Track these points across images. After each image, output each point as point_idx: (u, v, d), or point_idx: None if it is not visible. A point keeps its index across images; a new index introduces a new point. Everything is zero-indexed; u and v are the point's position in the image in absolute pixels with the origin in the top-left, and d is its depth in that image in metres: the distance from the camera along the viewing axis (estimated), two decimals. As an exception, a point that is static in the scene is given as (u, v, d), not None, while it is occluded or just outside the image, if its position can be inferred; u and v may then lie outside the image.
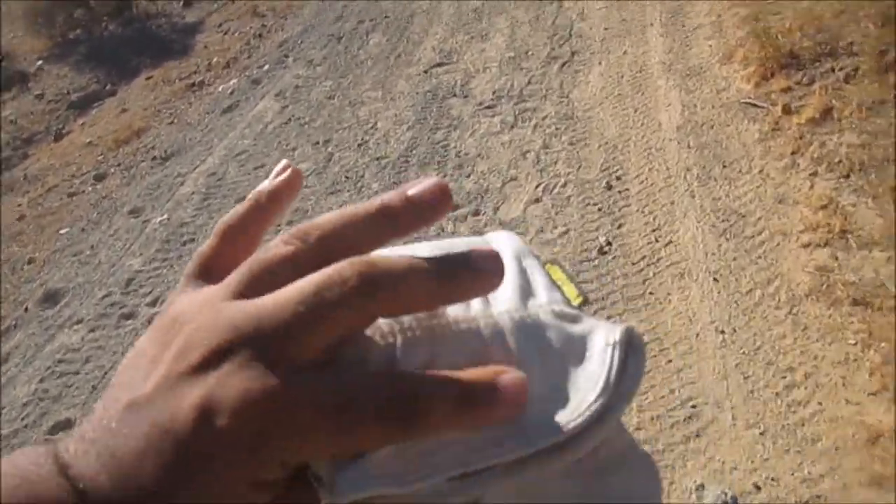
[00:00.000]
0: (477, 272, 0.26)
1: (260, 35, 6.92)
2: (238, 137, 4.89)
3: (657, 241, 3.30)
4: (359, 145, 4.55)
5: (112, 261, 3.88)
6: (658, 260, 3.20)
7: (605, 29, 5.49)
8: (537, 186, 3.83)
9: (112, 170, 5.04)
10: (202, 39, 7.34)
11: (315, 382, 0.24)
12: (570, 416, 0.25)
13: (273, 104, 5.25)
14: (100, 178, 4.95)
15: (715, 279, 3.02)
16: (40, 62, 8.24)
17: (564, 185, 3.81)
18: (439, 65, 5.44)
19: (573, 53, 5.26)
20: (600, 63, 5.06)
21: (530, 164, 4.02)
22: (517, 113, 4.57)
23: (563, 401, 0.26)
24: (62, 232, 4.43)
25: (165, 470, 0.23)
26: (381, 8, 6.68)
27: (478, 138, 4.34)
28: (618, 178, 3.79)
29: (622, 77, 4.78)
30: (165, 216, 4.16)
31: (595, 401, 0.25)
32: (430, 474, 0.24)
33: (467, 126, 4.49)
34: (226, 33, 7.31)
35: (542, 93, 4.81)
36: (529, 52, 5.39)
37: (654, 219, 3.44)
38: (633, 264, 3.21)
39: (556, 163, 4.01)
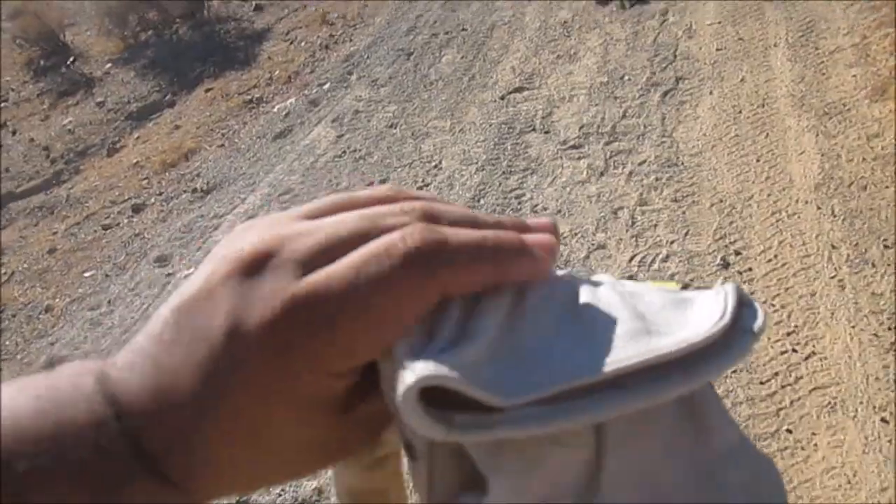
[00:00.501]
0: (534, 259, 0.26)
1: (326, 46, 6.36)
2: (286, 172, 4.31)
3: (794, 350, 2.49)
4: (419, 188, 3.87)
5: (125, 325, 3.35)
6: (796, 380, 2.39)
7: (718, 50, 4.63)
8: (631, 259, 3.06)
9: (152, 199, 4.56)
10: (268, 49, 6.85)
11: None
12: (694, 333, 0.24)
13: (328, 131, 4.65)
14: (137, 209, 4.48)
15: (884, 420, 2.19)
16: (109, 65, 7.97)
17: (666, 258, 3.03)
18: (518, 90, 4.71)
19: (678, 80, 4.42)
20: (711, 93, 4.21)
21: (623, 227, 3.25)
22: (608, 156, 3.80)
23: (683, 324, 0.25)
24: (86, 275, 3.96)
25: (201, 381, 0.22)
26: (459, 19, 5.99)
27: (559, 188, 3.60)
28: (737, 253, 2.98)
29: (740, 112, 3.93)
30: (191, 270, 3.61)
31: (717, 322, 0.24)
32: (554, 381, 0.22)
33: (547, 171, 3.76)
34: (292, 42, 6.80)
35: (639, 129, 4.01)
36: (625, 77, 4.59)
37: (788, 316, 2.63)
38: (762, 384, 2.41)
39: (655, 226, 3.23)
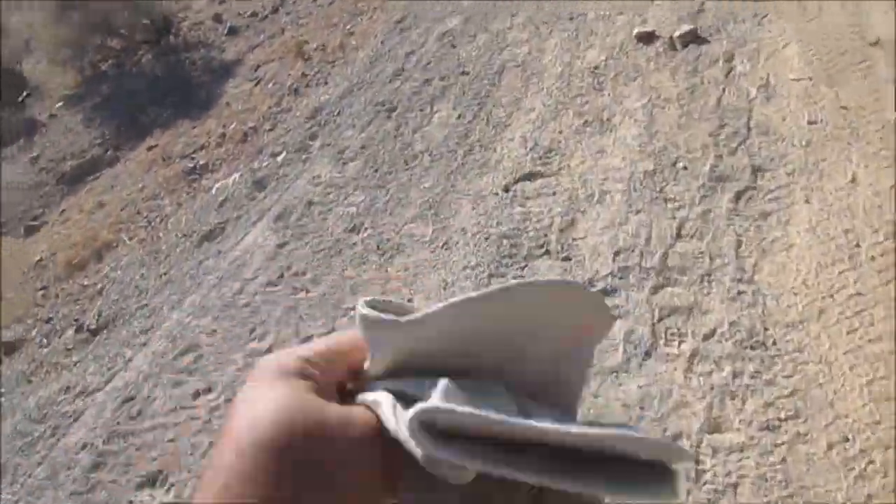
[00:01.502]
0: None
1: (296, 90, 5.09)
2: (197, 309, 3.09)
3: None
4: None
5: None
6: None
7: (811, 123, 3.26)
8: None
9: (33, 332, 3.37)
10: (231, 90, 5.62)
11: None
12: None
13: (268, 237, 3.42)
14: (11, 348, 3.29)
15: None
16: (60, 104, 6.84)
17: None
18: (530, 176, 3.41)
19: (756, 172, 3.08)
20: (808, 200, 2.87)
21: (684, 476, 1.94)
22: (656, 317, 2.49)
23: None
24: None
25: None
26: (459, 58, 4.67)
27: (580, 385, 2.27)
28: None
29: (857, 245, 2.59)
30: (41, 474, 2.42)
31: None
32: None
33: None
34: (259, 82, 5.55)
35: (703, 263, 2.70)
36: (679, 163, 3.25)
37: None
38: None
39: (735, 486, 1.93)
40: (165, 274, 3.46)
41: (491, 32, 4.92)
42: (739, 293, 2.55)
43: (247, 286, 3.17)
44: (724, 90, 3.68)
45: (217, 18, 7.47)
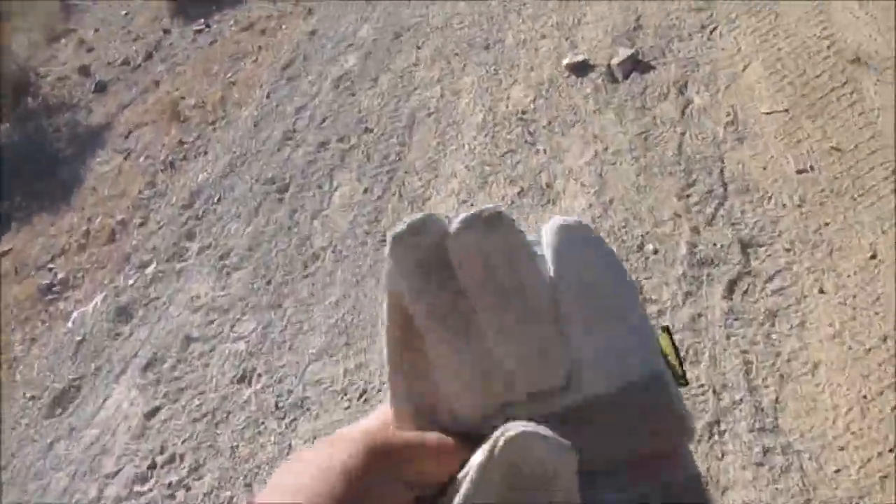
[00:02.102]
0: None
1: (171, 164, 4.23)
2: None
3: None
4: None
5: None
6: None
7: (800, 172, 2.62)
8: None
9: None
10: (97, 166, 4.70)
11: None
12: None
13: (133, 402, 2.62)
14: None
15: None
16: None
17: None
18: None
19: (745, 249, 2.42)
20: (822, 289, 2.21)
21: None
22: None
23: None
24: None
25: None
26: (360, 109, 3.89)
27: None
28: None
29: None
30: None
31: None
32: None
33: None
34: (129, 156, 4.64)
35: (705, 406, 2.02)
36: (646, 245, 2.56)
37: None
38: None
39: None
40: (6, 467, 2.59)
41: (394, 72, 4.14)
42: (765, 452, 1.86)
43: (106, 488, 2.34)
44: (683, 133, 3.00)
45: (84, 71, 6.46)
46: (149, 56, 5.97)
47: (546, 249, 0.32)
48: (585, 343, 0.31)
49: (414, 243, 0.29)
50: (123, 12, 7.04)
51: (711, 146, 2.89)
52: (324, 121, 3.92)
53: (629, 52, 3.49)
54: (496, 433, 0.27)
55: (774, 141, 2.80)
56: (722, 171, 2.77)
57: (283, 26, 5.26)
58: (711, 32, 3.52)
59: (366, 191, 3.34)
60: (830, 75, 2.95)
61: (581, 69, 3.55)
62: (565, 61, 3.60)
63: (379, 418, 0.33)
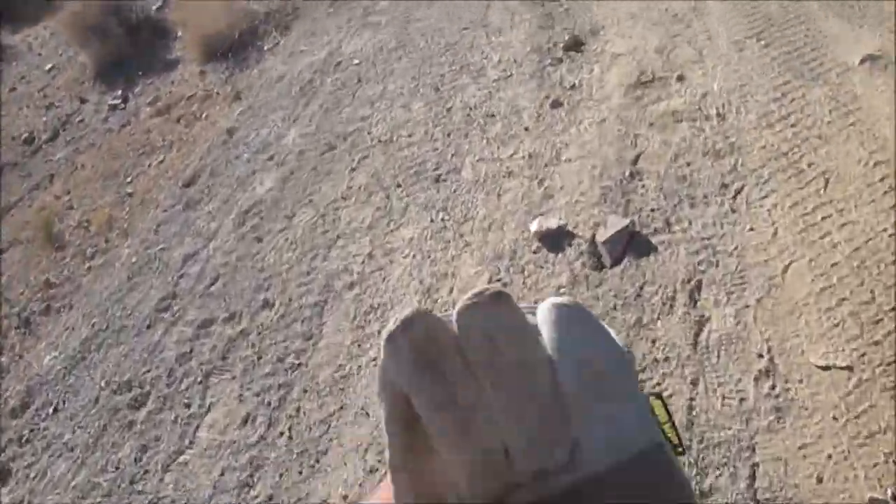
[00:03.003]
0: None
1: (27, 322, 3.29)
2: None
3: None
4: None
5: None
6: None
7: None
8: None
9: None
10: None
11: None
12: None
13: None
14: None
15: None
16: None
17: None
18: None
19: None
20: None
21: None
22: None
23: None
24: None
25: None
26: (263, 264, 2.97)
27: None
28: None
29: None
30: None
31: None
32: None
33: None
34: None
35: None
36: None
37: None
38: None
39: None
40: None
41: (317, 207, 3.17)
42: None
43: None
44: (695, 382, 2.02)
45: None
46: (55, 135, 5.00)
47: (542, 328, 0.33)
48: (586, 420, 0.31)
49: (408, 338, 0.30)
50: (49, 66, 6.09)
51: (737, 419, 1.91)
52: (214, 282, 2.94)
53: (622, 222, 2.51)
54: None
55: (834, 426, 1.82)
56: (753, 475, 1.79)
57: (203, 114, 4.29)
58: (736, 196, 2.54)
59: (246, 421, 2.37)
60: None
61: (555, 241, 2.58)
62: (534, 227, 2.63)
63: None
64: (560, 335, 0.32)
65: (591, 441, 0.30)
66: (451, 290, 2.55)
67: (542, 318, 0.32)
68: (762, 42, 3.24)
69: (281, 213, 3.20)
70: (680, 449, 0.35)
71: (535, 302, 0.36)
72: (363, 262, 2.82)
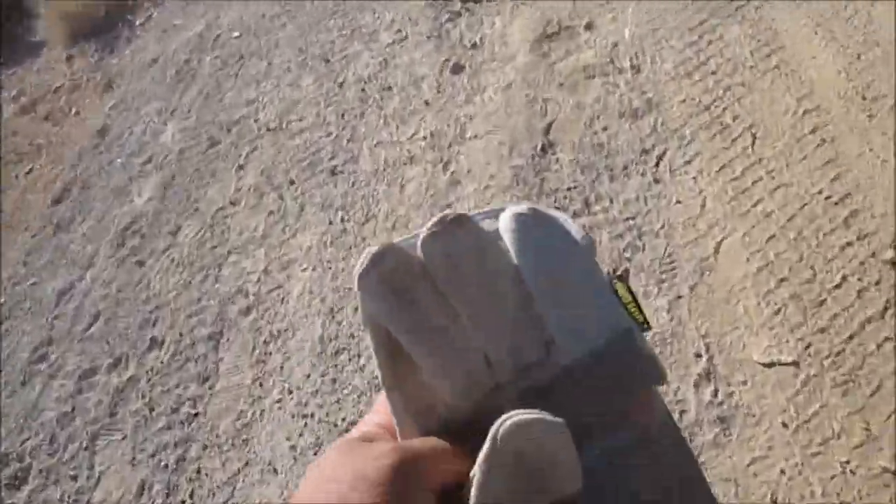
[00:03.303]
0: None
1: None
2: None
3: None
4: None
5: None
6: None
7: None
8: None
9: None
10: None
11: None
12: None
13: None
14: None
15: None
16: None
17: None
18: None
19: None
20: None
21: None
22: None
23: None
24: None
25: None
26: (149, 293, 2.68)
27: None
28: None
29: None
30: None
31: None
32: None
33: None
34: None
35: None
36: None
37: None
38: None
39: None
40: None
41: (203, 216, 2.82)
42: None
43: None
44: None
45: None
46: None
47: (504, 236, 0.34)
48: (555, 316, 0.32)
49: (378, 273, 0.31)
50: None
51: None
52: (95, 320, 2.60)
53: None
54: (494, 426, 0.29)
55: (784, 434, 1.64)
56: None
57: (73, 109, 3.80)
58: (658, 163, 2.29)
59: (142, 490, 2.08)
60: (860, 291, 1.78)
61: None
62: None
63: (380, 423, 0.36)
64: (521, 243, 0.33)
65: (563, 335, 0.32)
66: (355, 310, 2.27)
67: (504, 226, 0.34)
68: (673, -24, 2.94)
69: (164, 228, 2.83)
70: (646, 325, 0.36)
71: (494, 209, 0.37)
72: (259, 281, 2.51)
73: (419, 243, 0.32)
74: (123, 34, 4.26)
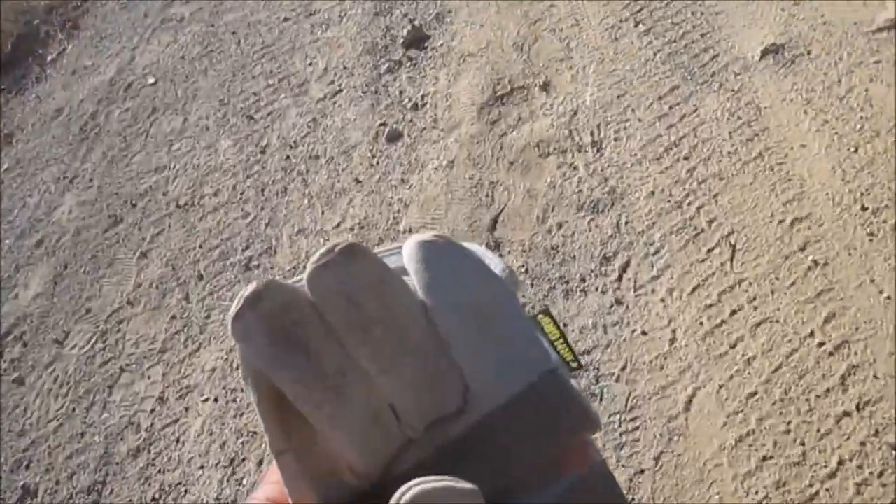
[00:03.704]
0: None
1: None
2: None
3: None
4: None
5: None
6: None
7: None
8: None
9: None
10: None
11: None
12: None
13: None
14: None
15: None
16: None
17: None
18: None
19: None
20: None
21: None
22: None
23: None
24: None
25: None
26: (26, 442, 2.20)
27: None
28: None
29: None
30: None
31: None
32: None
33: None
34: None
35: None
36: None
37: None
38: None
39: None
40: None
41: (94, 324, 2.41)
42: None
43: None
44: None
45: None
46: None
47: (410, 269, 0.29)
48: (472, 360, 0.28)
49: (257, 314, 0.27)
50: None
51: None
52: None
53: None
54: (395, 497, 0.24)
55: None
56: None
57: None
58: (621, 277, 1.93)
59: None
60: (858, 485, 1.42)
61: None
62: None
63: (270, 497, 0.30)
64: (430, 275, 0.29)
65: (481, 381, 0.28)
66: (260, 462, 1.88)
67: (409, 257, 0.30)
68: (642, 27, 2.55)
69: (49, 334, 2.42)
70: (575, 364, 0.32)
71: (395, 242, 0.32)
72: (153, 411, 2.11)
73: (306, 276, 0.27)
74: (34, 72, 3.79)
